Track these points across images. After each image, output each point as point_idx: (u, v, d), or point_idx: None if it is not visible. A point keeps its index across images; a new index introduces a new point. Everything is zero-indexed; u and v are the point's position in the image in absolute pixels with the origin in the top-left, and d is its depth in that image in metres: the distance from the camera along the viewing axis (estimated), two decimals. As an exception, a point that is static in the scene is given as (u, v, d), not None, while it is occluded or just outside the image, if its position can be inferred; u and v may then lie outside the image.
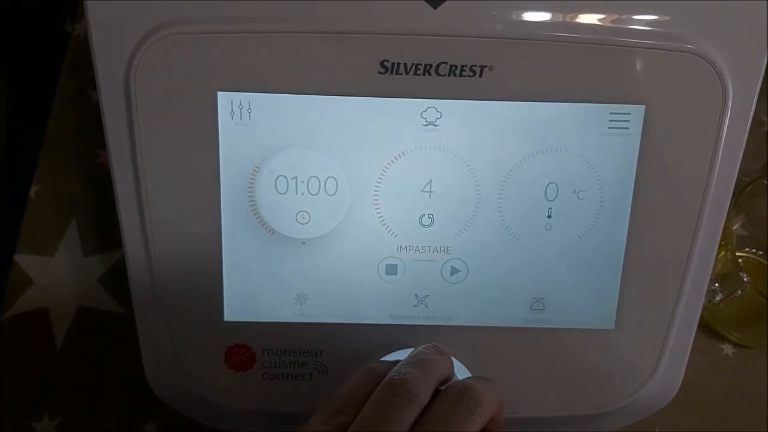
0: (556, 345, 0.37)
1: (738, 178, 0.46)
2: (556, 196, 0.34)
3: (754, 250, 0.50)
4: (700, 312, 0.37)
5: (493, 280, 0.36)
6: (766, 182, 0.47)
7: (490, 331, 0.36)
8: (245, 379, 0.37)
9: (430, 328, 0.36)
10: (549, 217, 0.35)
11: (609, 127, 0.33)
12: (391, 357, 0.36)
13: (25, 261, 0.46)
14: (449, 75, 0.32)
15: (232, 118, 0.33)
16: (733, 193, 0.45)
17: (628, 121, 0.33)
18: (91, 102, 0.50)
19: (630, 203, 0.34)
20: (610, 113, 0.33)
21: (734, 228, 0.50)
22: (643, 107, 0.33)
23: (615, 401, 0.38)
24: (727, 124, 0.33)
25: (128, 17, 0.32)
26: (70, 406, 0.44)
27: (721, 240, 0.44)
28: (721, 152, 0.34)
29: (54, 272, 0.46)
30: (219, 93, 0.32)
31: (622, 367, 0.37)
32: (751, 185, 0.46)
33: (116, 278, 0.46)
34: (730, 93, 0.33)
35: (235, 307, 0.36)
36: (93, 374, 0.44)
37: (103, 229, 0.47)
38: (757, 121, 0.52)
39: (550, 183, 0.34)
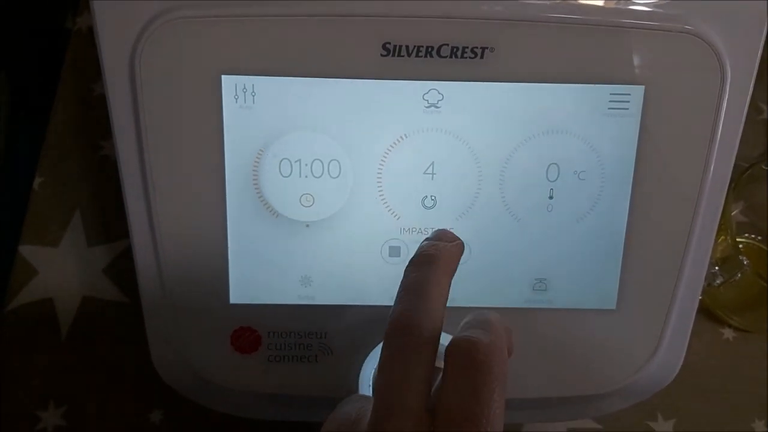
0: (558, 325, 0.37)
1: (737, 165, 0.46)
2: (558, 177, 0.35)
3: (753, 236, 0.51)
4: (700, 292, 0.37)
5: (496, 261, 0.36)
6: (764, 167, 0.47)
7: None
8: (251, 361, 0.37)
9: (433, 309, 0.36)
10: (550, 198, 0.35)
11: (609, 108, 0.34)
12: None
13: (29, 252, 0.46)
14: (451, 57, 0.32)
15: (236, 102, 0.33)
16: (732, 179, 0.45)
17: (628, 101, 0.33)
18: (93, 94, 0.50)
19: (630, 183, 0.35)
20: (610, 94, 0.33)
21: (733, 214, 0.50)
22: (642, 88, 0.33)
23: (616, 381, 0.38)
24: (725, 104, 0.33)
25: (132, 3, 0.32)
26: (76, 395, 0.44)
27: (721, 224, 0.45)
28: (719, 132, 0.34)
29: (58, 263, 0.46)
30: (223, 77, 0.33)
31: (623, 348, 0.37)
32: (749, 170, 0.46)
33: (121, 268, 0.46)
34: (729, 73, 0.33)
35: (241, 290, 0.36)
36: (98, 364, 0.44)
37: (107, 219, 0.47)
38: (756, 109, 0.52)
39: (551, 164, 0.35)
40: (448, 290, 0.28)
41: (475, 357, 0.25)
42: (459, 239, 0.30)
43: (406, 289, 0.27)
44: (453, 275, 0.29)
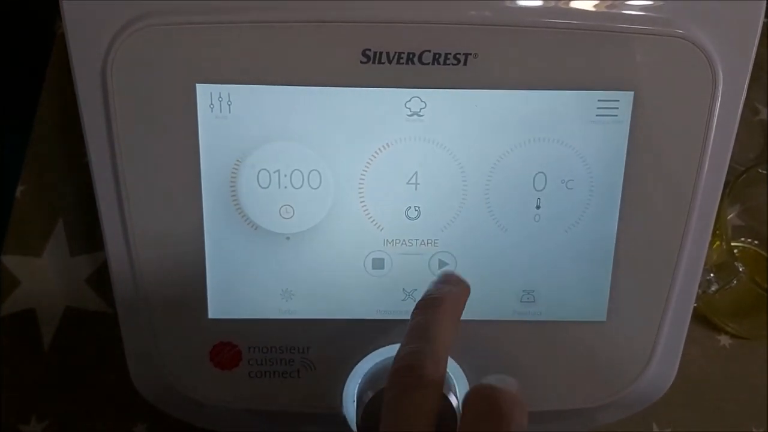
0: (547, 338, 0.36)
1: (733, 168, 0.46)
2: (545, 186, 0.34)
3: (749, 240, 0.50)
4: (693, 302, 0.37)
5: (482, 272, 0.35)
6: (761, 171, 0.46)
7: (480, 325, 0.36)
8: (231, 377, 0.36)
9: (418, 322, 0.36)
10: (538, 207, 0.34)
11: (597, 115, 0.33)
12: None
13: (11, 262, 0.46)
14: (433, 63, 0.31)
15: (212, 111, 0.32)
16: (728, 183, 0.44)
17: (617, 108, 0.33)
18: (77, 102, 0.49)
19: (620, 192, 0.34)
20: (599, 100, 0.33)
21: (730, 218, 0.50)
22: (631, 93, 0.32)
23: (609, 394, 0.37)
24: (717, 110, 0.33)
25: (103, 10, 0.31)
26: (58, 408, 0.43)
27: (716, 230, 0.44)
28: (712, 139, 0.33)
29: (41, 273, 0.45)
30: (198, 85, 0.32)
31: (616, 360, 0.37)
32: (745, 174, 0.45)
33: (104, 278, 0.45)
34: (721, 78, 0.32)
35: (220, 305, 0.35)
36: (81, 375, 0.44)
37: (90, 229, 0.46)
38: (753, 111, 0.51)
39: (538, 173, 0.34)
40: (453, 333, 0.29)
41: (498, 405, 0.25)
42: (465, 282, 0.31)
43: (411, 331, 0.29)
44: (459, 318, 0.30)
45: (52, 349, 0.44)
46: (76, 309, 0.45)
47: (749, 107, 0.51)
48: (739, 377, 0.46)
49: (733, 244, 0.49)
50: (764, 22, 0.50)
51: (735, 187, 0.46)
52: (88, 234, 0.46)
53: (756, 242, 0.50)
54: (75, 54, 0.32)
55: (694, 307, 0.46)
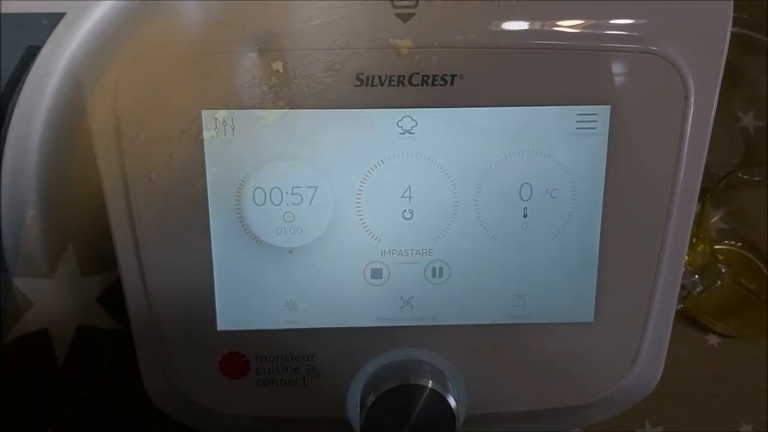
0: (538, 339, 0.38)
1: (716, 174, 0.47)
2: (531, 196, 0.36)
3: (734, 242, 0.51)
4: (676, 303, 0.38)
5: (475, 279, 0.37)
6: (741, 176, 0.48)
7: (474, 329, 0.37)
8: (240, 386, 0.38)
9: (416, 328, 0.37)
10: (525, 216, 0.36)
11: (577, 128, 0.34)
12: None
13: (24, 284, 0.46)
14: (422, 85, 0.33)
15: (217, 135, 0.34)
16: (711, 188, 0.46)
17: (596, 121, 0.34)
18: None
19: (601, 200, 0.35)
20: (578, 114, 0.34)
21: (714, 221, 0.51)
22: (608, 108, 0.34)
23: (597, 392, 0.38)
24: (690, 120, 0.34)
25: (113, 41, 0.33)
26: (74, 423, 0.44)
27: (699, 233, 0.46)
28: (686, 147, 0.35)
29: (53, 294, 0.46)
30: (203, 111, 0.33)
31: (603, 359, 0.38)
32: (725, 179, 0.47)
33: (114, 297, 0.46)
34: (692, 90, 0.34)
35: (228, 317, 0.37)
36: (95, 391, 0.45)
37: (100, 249, 0.47)
38: (733, 118, 0.53)
39: (524, 183, 0.35)
40: None
41: None
42: None
43: None
44: None
45: (66, 367, 0.45)
46: (88, 327, 0.46)
47: (731, 114, 0.52)
48: (728, 374, 0.47)
49: (717, 246, 0.51)
50: (742, 33, 0.52)
51: (717, 191, 0.47)
52: (97, 255, 0.47)
53: (740, 244, 0.52)
54: (86, 87, 0.33)
55: (683, 308, 0.48)
